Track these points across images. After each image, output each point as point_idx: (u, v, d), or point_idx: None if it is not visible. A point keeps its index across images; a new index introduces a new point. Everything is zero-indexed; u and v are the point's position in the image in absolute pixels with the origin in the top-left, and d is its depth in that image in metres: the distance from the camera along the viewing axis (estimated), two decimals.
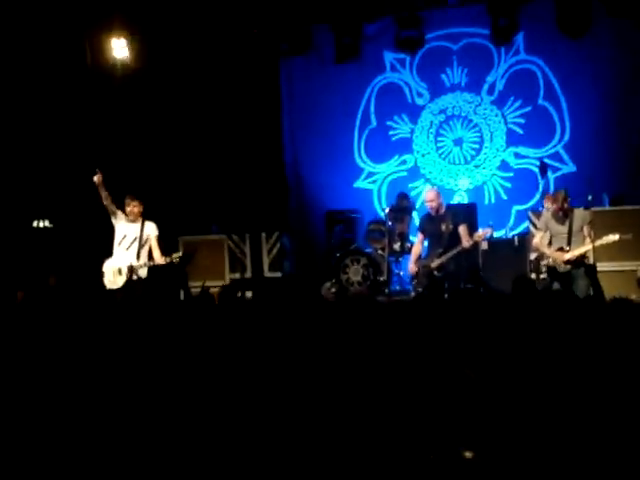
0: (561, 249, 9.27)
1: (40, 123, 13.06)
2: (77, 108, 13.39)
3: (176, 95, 14.05)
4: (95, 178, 9.50)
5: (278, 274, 13.10)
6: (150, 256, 9.63)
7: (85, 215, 13.12)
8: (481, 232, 9.97)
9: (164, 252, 9.64)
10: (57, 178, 13.20)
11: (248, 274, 12.78)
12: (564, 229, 9.29)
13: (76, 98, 13.35)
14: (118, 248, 9.72)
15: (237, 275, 12.74)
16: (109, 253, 9.77)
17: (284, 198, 14.47)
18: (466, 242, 9.78)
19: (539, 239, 9.61)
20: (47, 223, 13.41)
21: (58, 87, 13.04)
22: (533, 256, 10.81)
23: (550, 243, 9.48)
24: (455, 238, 9.88)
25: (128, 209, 9.72)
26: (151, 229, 9.80)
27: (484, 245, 11.86)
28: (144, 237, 9.68)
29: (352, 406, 3.67)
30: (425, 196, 10.59)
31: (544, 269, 9.55)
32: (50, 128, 13.13)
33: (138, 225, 9.73)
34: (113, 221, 9.75)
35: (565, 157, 13.44)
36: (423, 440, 3.24)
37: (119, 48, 13.19)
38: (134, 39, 13.35)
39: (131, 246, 9.68)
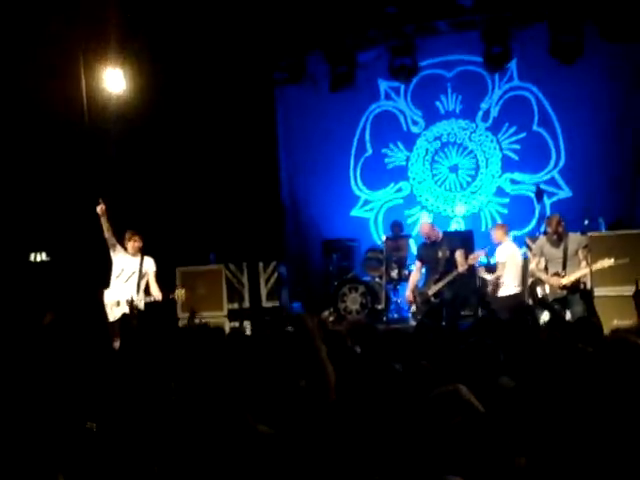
0: (557, 274, 9.28)
1: (36, 155, 13.06)
2: (74, 139, 13.40)
3: (173, 125, 14.07)
4: (98, 209, 9.65)
5: (276, 303, 13.07)
6: (148, 291, 9.65)
7: (82, 247, 13.12)
8: (475, 254, 10.02)
9: (162, 286, 9.67)
10: (54, 210, 13.19)
11: (246, 304, 12.73)
12: (559, 253, 9.33)
13: (72, 129, 13.36)
14: (116, 281, 9.80)
15: (235, 305, 12.68)
16: (106, 285, 9.78)
17: (281, 227, 14.47)
18: (461, 267, 9.82)
19: (535, 265, 9.63)
20: (44, 256, 13.39)
21: (53, 118, 13.05)
22: (530, 282, 10.81)
23: (546, 268, 9.50)
24: (451, 264, 9.92)
25: (130, 244, 9.84)
26: (150, 264, 9.95)
27: (481, 271, 11.87)
28: (143, 271, 9.79)
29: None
30: (420, 230, 10.63)
31: (541, 295, 9.55)
32: (46, 160, 13.13)
33: (137, 259, 9.85)
34: (112, 254, 9.83)
35: (561, 182, 13.48)
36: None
37: (115, 80, 13.22)
38: (129, 68, 13.37)
39: (129, 279, 9.77)
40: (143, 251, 10.00)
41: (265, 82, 14.45)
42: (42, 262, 13.38)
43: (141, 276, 9.78)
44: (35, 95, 12.25)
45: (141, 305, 9.69)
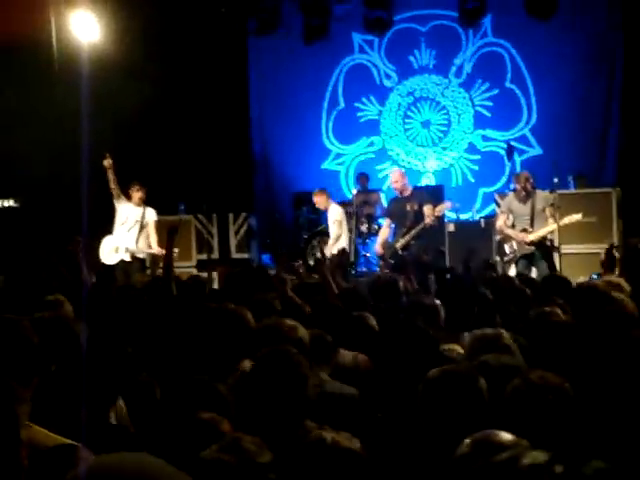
0: (524, 230, 9.36)
1: (6, 102, 12.89)
2: (45, 88, 13.23)
3: (144, 73, 13.92)
4: (105, 162, 10.45)
5: (245, 255, 13.08)
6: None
7: (51, 194, 13.05)
8: (442, 206, 10.10)
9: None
10: (24, 157, 13.07)
11: (215, 255, 12.73)
12: (526, 211, 9.41)
13: (43, 77, 13.19)
14: (120, 228, 10.51)
15: (204, 256, 12.68)
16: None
17: (251, 179, 14.43)
18: (428, 218, 9.89)
19: (502, 222, 9.70)
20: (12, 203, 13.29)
21: (21, 65, 12.87)
22: (497, 239, 10.88)
23: (514, 226, 9.58)
24: (420, 217, 9.99)
25: (135, 194, 10.55)
26: (151, 215, 10.67)
27: (450, 227, 11.93)
28: (144, 222, 10.50)
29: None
30: (391, 178, 10.69)
31: (508, 251, 9.63)
32: (16, 106, 12.96)
33: (141, 209, 10.56)
34: (116, 203, 10.54)
35: (532, 140, 13.53)
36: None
37: (86, 26, 13.02)
38: (101, 16, 13.18)
39: (132, 228, 10.49)
40: (146, 202, 10.69)
41: (239, 31, 14.30)
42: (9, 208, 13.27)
43: (142, 226, 10.48)
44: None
45: (140, 255, 10.54)
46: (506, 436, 2.35)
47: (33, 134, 12.62)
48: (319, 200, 11.50)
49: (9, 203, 13.26)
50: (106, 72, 13.57)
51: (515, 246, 9.57)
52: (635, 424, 3.03)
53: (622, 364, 3.59)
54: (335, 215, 11.36)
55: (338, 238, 11.17)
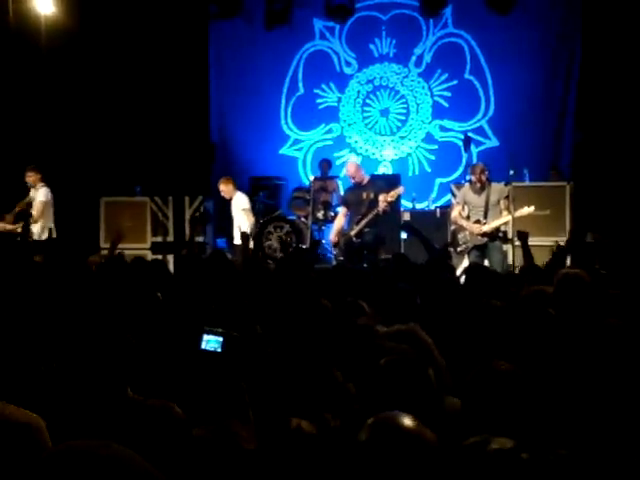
0: (478, 222, 9.46)
1: None
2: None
3: (103, 53, 13.81)
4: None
5: (200, 238, 13.02)
6: None
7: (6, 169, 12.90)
8: (394, 191, 10.13)
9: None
10: None
11: (170, 238, 12.68)
12: (481, 202, 9.50)
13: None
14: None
15: (159, 238, 12.63)
16: None
17: (209, 162, 14.36)
18: (382, 204, 9.93)
19: (457, 212, 9.79)
20: None
21: None
22: (451, 229, 10.96)
23: (468, 217, 9.66)
24: (375, 205, 10.02)
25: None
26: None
27: (406, 216, 12.00)
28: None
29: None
30: (346, 170, 10.73)
31: (461, 242, 9.71)
32: None
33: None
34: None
35: (489, 132, 13.64)
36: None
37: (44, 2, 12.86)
38: None
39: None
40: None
41: (199, 15, 14.22)
42: None
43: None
44: None
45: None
46: (407, 420, 2.30)
47: None
48: (225, 189, 11.62)
49: None
50: (64, 49, 13.46)
51: (468, 237, 9.65)
52: (602, 411, 3.09)
53: (595, 353, 3.67)
54: (242, 204, 11.58)
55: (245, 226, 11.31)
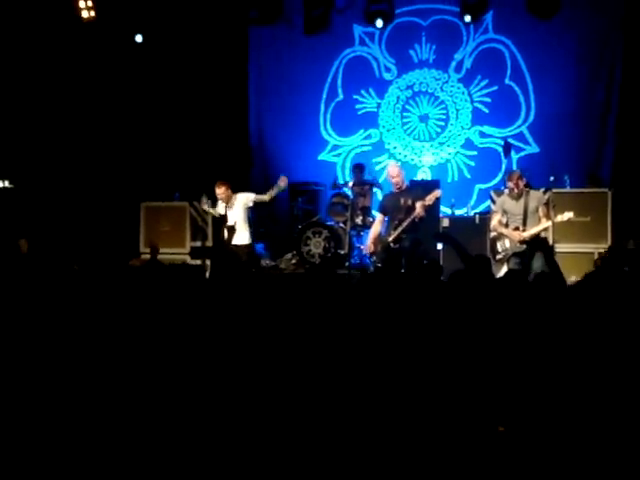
0: (517, 229, 9.38)
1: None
2: (40, 67, 13.22)
3: (144, 59, 13.94)
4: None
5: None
6: None
7: (46, 176, 13.05)
8: (431, 195, 10.07)
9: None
10: (16, 137, 13.06)
11: (209, 243, 12.74)
12: (519, 209, 9.41)
13: (37, 56, 13.17)
14: None
15: (198, 243, 12.69)
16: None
17: (247, 168, 14.42)
18: (419, 209, 9.88)
19: (496, 221, 9.70)
20: (7, 184, 13.27)
21: (15, 42, 12.83)
22: (491, 236, 10.88)
23: (507, 225, 9.58)
24: (412, 212, 9.98)
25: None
26: None
27: (445, 222, 11.95)
28: None
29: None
30: (388, 172, 10.67)
31: (500, 250, 9.63)
32: (11, 86, 12.95)
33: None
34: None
35: (529, 138, 13.53)
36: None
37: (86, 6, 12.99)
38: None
39: None
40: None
41: (240, 21, 14.29)
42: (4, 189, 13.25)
43: None
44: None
45: None
46: None
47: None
48: (221, 192, 11.04)
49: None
50: (105, 54, 13.60)
51: (507, 244, 9.57)
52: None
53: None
54: (249, 198, 11.11)
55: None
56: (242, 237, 10.91)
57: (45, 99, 13.25)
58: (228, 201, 10.94)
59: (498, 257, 9.73)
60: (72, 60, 13.36)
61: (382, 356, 4.05)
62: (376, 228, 10.60)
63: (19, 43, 12.68)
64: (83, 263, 9.55)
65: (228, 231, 10.83)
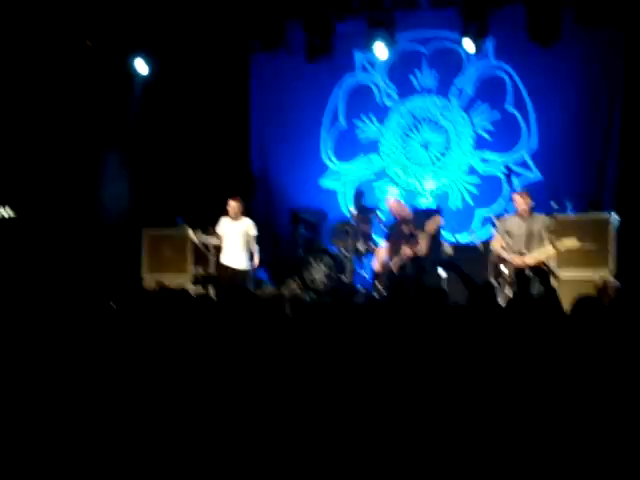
0: (520, 252, 9.35)
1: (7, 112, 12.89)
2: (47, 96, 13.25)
3: (146, 89, 14.01)
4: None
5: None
6: None
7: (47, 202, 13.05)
8: (431, 223, 10.09)
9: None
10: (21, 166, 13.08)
11: (212, 269, 12.72)
12: (523, 231, 9.39)
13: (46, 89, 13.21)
14: None
15: (200, 270, 12.67)
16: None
17: (249, 193, 14.43)
18: (422, 248, 9.92)
19: (497, 243, 9.68)
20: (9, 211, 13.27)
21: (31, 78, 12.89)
22: (492, 260, 10.85)
23: (508, 247, 9.55)
24: (415, 239, 10.00)
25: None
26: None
27: (448, 250, 11.94)
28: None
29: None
30: (387, 206, 10.75)
31: (501, 273, 9.61)
32: (17, 116, 12.98)
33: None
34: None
35: (531, 164, 13.53)
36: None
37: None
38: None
39: None
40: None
41: (241, 48, 14.35)
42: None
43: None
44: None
45: None
46: None
47: None
48: (236, 207, 11.21)
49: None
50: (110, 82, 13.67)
51: (509, 268, 9.56)
52: None
53: None
54: (253, 230, 11.30)
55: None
56: (241, 261, 11.00)
57: (46, 127, 13.26)
58: (235, 218, 11.04)
59: (499, 280, 9.72)
60: (73, 85, 13.38)
61: (388, 383, 4.03)
62: (382, 252, 10.63)
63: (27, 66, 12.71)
64: (86, 289, 9.55)
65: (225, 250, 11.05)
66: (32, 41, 12.52)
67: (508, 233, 9.60)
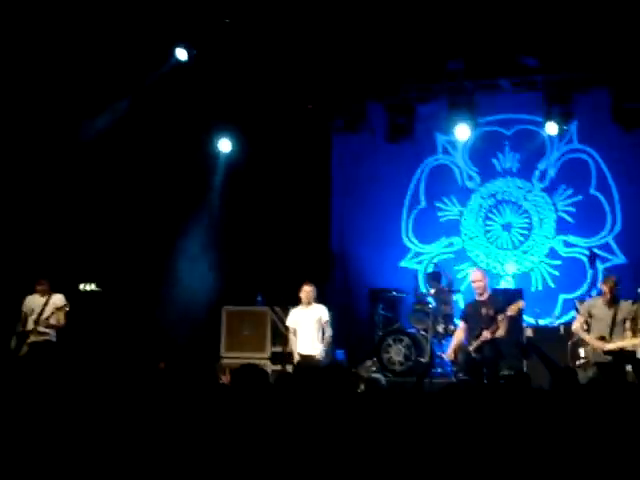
0: (602, 338, 9.13)
1: (81, 187, 13.16)
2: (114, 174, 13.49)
3: (230, 166, 14.24)
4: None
5: None
6: None
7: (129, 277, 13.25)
8: (514, 305, 9.95)
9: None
10: (103, 241, 13.32)
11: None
12: (607, 317, 9.18)
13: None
14: None
15: (279, 348, 12.65)
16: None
17: (328, 273, 14.46)
18: (501, 331, 9.80)
19: (579, 325, 9.49)
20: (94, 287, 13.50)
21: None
22: (571, 342, 10.62)
23: (589, 330, 9.35)
24: (494, 321, 9.88)
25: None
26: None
27: (529, 332, 11.77)
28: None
29: None
30: (471, 276, 10.65)
31: (582, 356, 9.40)
32: (90, 192, 13.24)
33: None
34: None
35: (615, 248, 13.31)
36: None
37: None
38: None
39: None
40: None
41: (323, 128, 14.53)
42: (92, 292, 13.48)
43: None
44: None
45: None
46: None
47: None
48: (310, 292, 10.97)
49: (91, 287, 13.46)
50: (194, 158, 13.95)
51: (590, 352, 9.34)
52: None
53: None
54: (325, 314, 11.00)
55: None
56: (316, 348, 10.82)
57: (132, 205, 13.51)
58: (308, 304, 10.90)
59: (578, 363, 9.51)
60: (158, 164, 13.64)
61: (467, 469, 3.94)
62: (459, 336, 10.50)
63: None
64: (167, 363, 9.61)
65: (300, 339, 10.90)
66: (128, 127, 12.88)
67: (591, 316, 9.41)
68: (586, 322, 9.51)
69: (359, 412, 5.22)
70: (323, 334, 10.92)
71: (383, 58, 12.99)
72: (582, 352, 9.43)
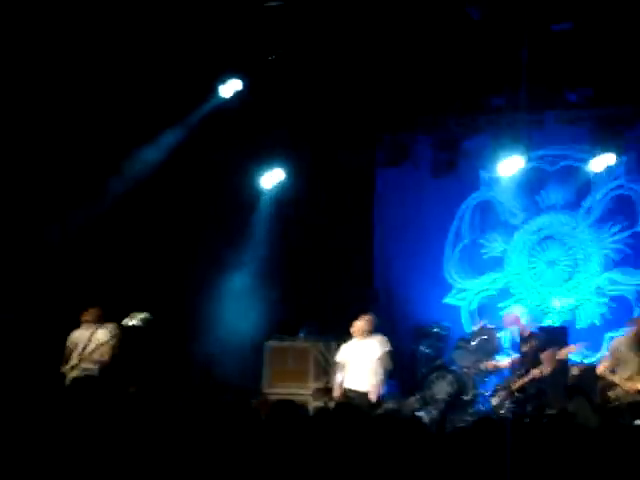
0: (630, 378, 9.00)
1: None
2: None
3: (275, 201, 14.30)
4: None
5: None
6: None
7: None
8: (565, 350, 9.88)
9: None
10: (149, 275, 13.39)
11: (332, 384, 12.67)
12: (636, 358, 9.06)
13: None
14: None
15: (321, 384, 12.63)
16: None
17: (372, 308, 14.41)
18: (547, 368, 9.71)
19: (603, 367, 9.37)
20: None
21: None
22: (599, 385, 10.45)
23: (614, 371, 9.23)
24: (538, 360, 9.82)
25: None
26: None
27: (574, 371, 11.63)
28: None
29: None
30: (503, 323, 10.64)
31: (612, 399, 9.26)
32: (138, 224, 13.31)
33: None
34: None
35: None
36: None
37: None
38: None
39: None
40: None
41: (367, 162, 14.57)
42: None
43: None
44: None
45: None
46: None
47: None
48: (364, 327, 10.46)
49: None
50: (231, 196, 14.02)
51: (620, 393, 9.20)
52: None
53: None
54: (382, 347, 10.38)
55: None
56: (364, 382, 10.22)
57: (173, 242, 13.53)
58: (361, 337, 10.42)
59: (610, 405, 9.37)
60: (202, 200, 13.70)
61: None
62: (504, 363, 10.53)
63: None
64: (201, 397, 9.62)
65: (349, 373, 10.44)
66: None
67: (618, 357, 9.30)
68: (612, 364, 9.37)
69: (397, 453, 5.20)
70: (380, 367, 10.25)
71: (428, 93, 12.99)
72: (611, 395, 9.28)
